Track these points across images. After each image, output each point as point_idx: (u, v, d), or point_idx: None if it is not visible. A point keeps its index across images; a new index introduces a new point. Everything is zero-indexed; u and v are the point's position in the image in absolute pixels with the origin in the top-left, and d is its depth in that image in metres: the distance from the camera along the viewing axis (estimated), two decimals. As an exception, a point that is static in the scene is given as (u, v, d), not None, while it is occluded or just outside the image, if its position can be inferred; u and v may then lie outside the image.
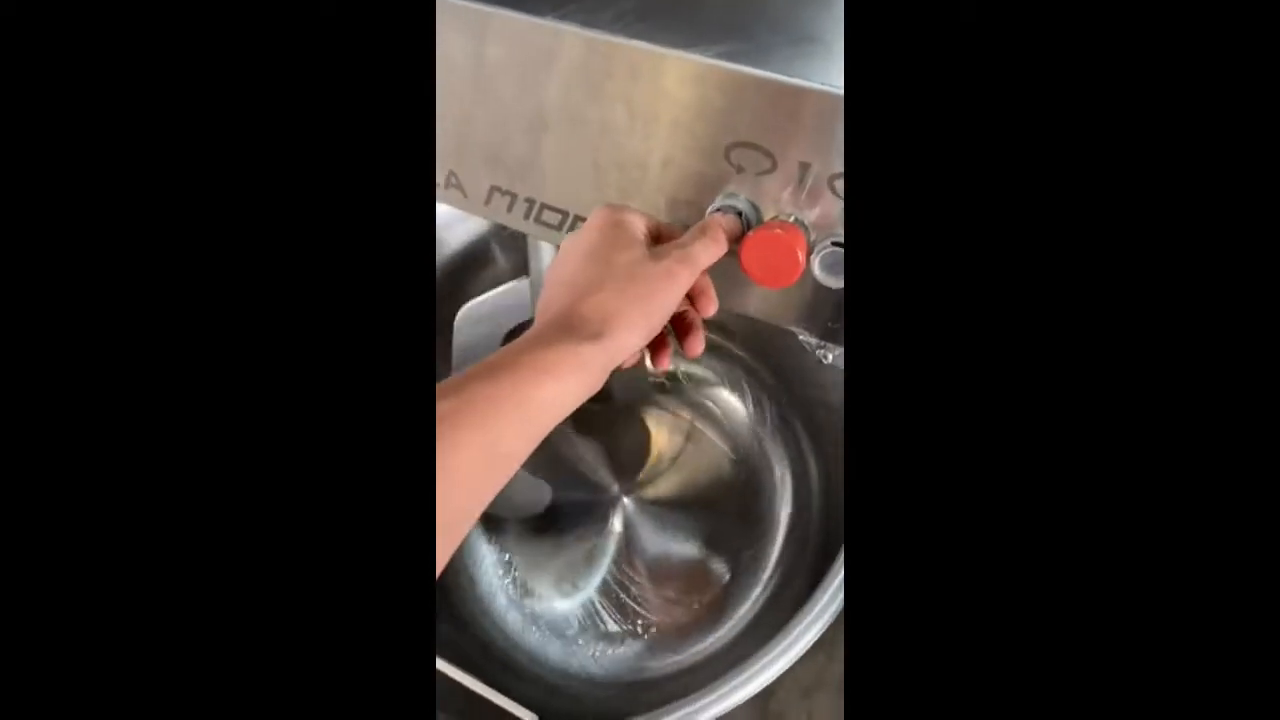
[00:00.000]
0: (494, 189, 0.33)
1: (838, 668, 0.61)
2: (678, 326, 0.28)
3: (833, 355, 0.31)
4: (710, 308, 0.27)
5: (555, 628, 0.53)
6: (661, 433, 0.59)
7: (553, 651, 0.52)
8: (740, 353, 0.59)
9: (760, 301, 0.29)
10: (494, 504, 0.56)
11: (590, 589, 0.54)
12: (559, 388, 0.22)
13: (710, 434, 0.58)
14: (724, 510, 0.55)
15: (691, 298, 0.27)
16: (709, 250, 0.25)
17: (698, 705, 0.36)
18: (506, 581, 0.55)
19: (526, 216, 0.33)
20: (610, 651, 0.52)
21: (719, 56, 0.24)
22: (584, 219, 0.31)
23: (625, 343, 0.23)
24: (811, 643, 0.36)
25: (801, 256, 0.26)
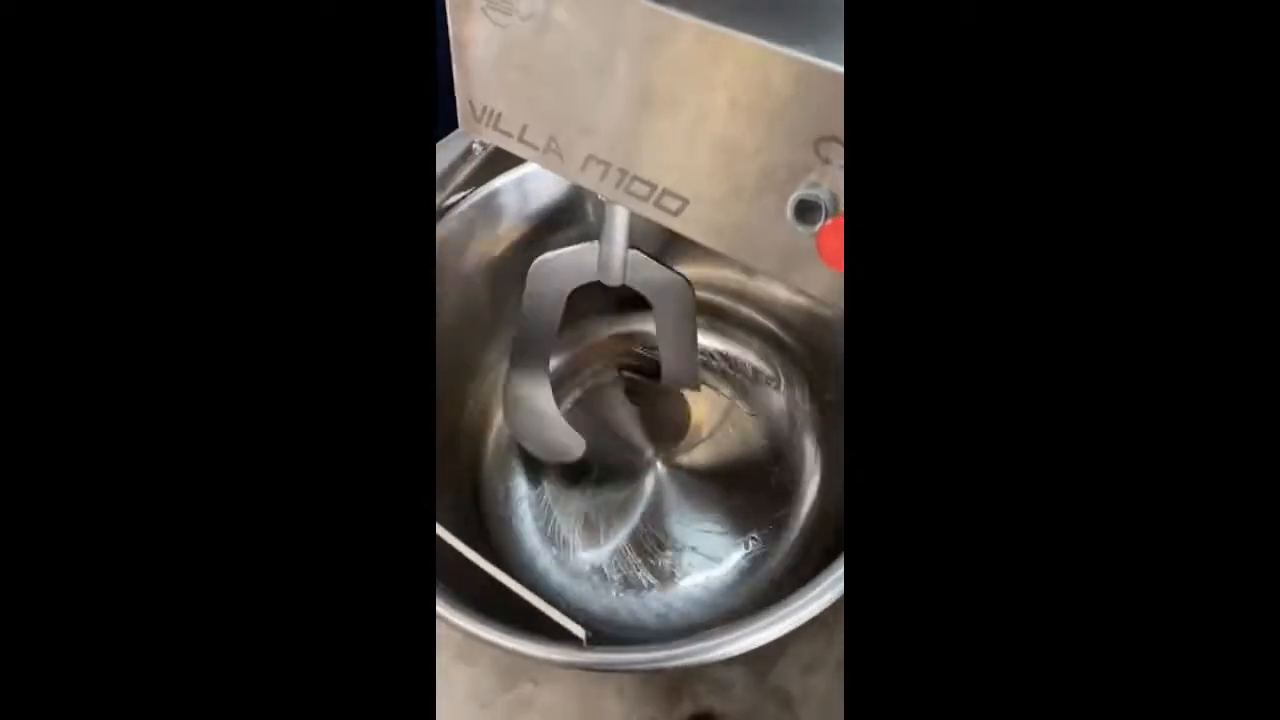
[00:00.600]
0: (590, 157, 0.36)
1: (838, 650, 0.65)
2: None
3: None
4: None
5: (579, 572, 0.57)
6: (702, 406, 0.62)
7: (582, 592, 0.56)
8: (783, 335, 0.62)
9: (830, 283, 0.32)
10: (530, 442, 0.58)
11: (615, 542, 0.58)
12: None
13: (747, 411, 0.61)
14: (752, 484, 0.59)
15: None
16: None
17: (683, 649, 0.37)
18: (541, 524, 0.59)
19: (617, 186, 0.35)
20: (627, 600, 0.55)
21: (819, 55, 0.27)
22: (671, 193, 0.34)
23: None
24: (807, 619, 0.39)
25: (873, 247, 0.28)
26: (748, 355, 0.63)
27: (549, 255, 0.47)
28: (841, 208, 0.29)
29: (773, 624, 0.35)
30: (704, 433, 0.62)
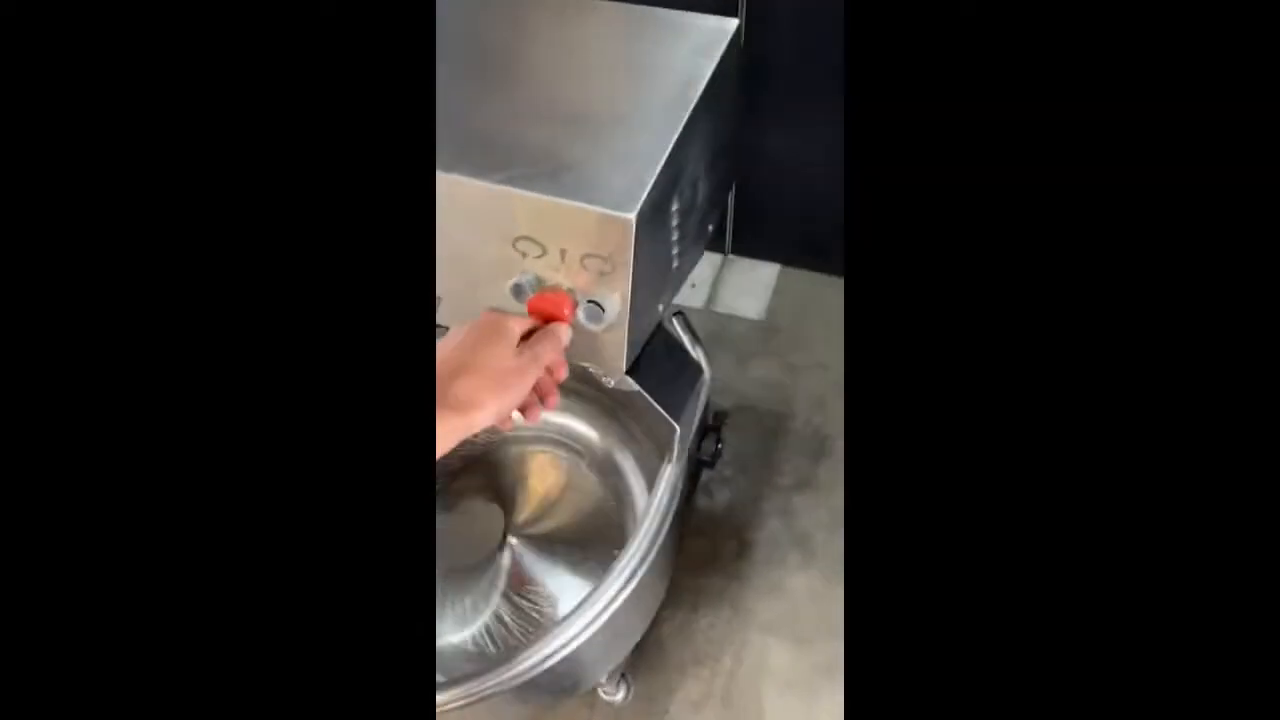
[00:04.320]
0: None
1: (722, 681, 0.70)
2: (540, 388, 0.39)
3: (614, 380, 0.42)
4: (562, 374, 0.39)
5: (448, 668, 0.59)
6: (546, 475, 0.69)
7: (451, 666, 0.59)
8: (587, 390, 0.70)
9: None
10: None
11: (483, 620, 0.62)
12: None
13: (580, 466, 0.69)
14: (600, 526, 0.65)
15: (549, 369, 0.38)
16: (552, 348, 0.36)
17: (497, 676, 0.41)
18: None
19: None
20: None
21: (501, 181, 0.37)
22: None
23: (480, 419, 0.33)
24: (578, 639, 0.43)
25: (567, 311, 0.38)
26: (571, 420, 0.71)
27: None
28: (540, 286, 0.39)
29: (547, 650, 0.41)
30: (553, 497, 0.68)
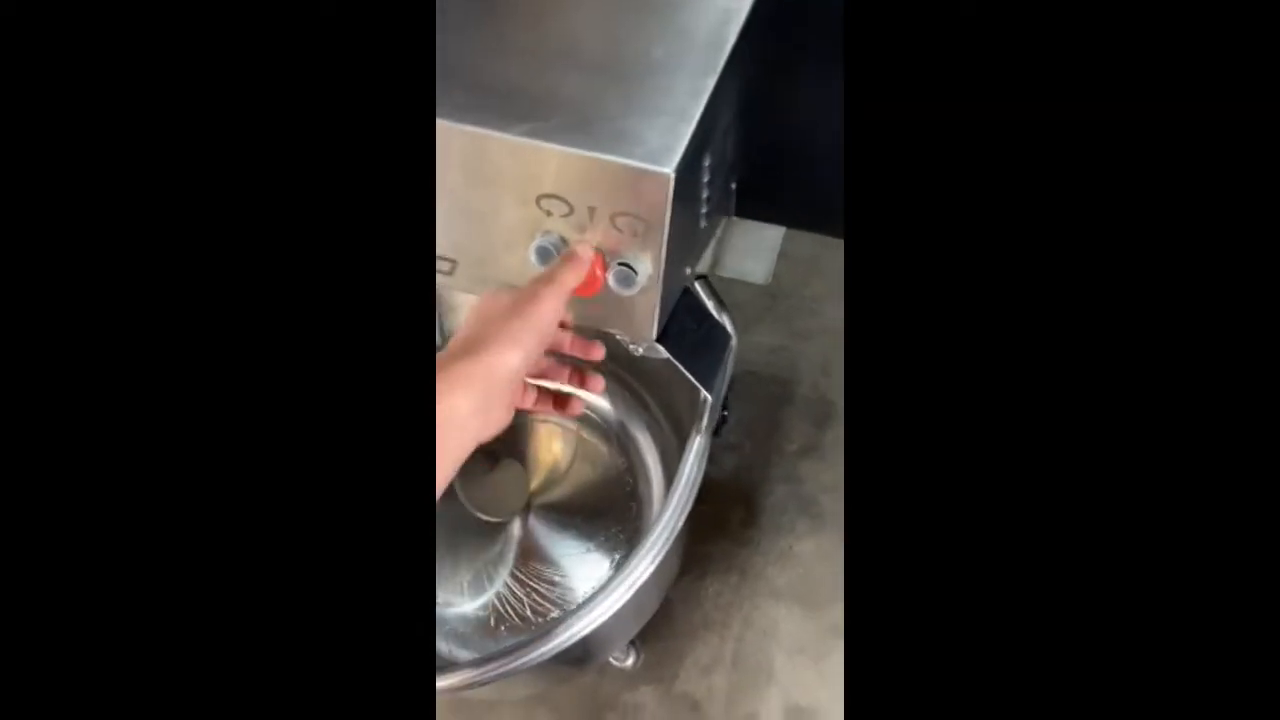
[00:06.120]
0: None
1: (731, 646, 0.70)
2: (576, 378, 0.36)
3: (642, 348, 0.40)
4: (597, 353, 0.36)
5: (460, 634, 0.59)
6: (553, 445, 0.67)
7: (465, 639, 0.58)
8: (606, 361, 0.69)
9: (581, 311, 0.38)
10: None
11: (494, 590, 0.61)
12: (444, 404, 0.26)
13: (593, 439, 0.67)
14: (612, 500, 0.64)
15: (580, 352, 0.36)
16: (572, 272, 0.32)
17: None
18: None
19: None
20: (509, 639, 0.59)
21: (525, 134, 0.34)
22: (443, 257, 0.40)
23: (502, 359, 0.28)
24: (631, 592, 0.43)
25: (600, 273, 0.35)
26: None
27: None
28: (566, 247, 0.36)
29: (576, 627, 0.40)
30: (562, 469, 0.66)
